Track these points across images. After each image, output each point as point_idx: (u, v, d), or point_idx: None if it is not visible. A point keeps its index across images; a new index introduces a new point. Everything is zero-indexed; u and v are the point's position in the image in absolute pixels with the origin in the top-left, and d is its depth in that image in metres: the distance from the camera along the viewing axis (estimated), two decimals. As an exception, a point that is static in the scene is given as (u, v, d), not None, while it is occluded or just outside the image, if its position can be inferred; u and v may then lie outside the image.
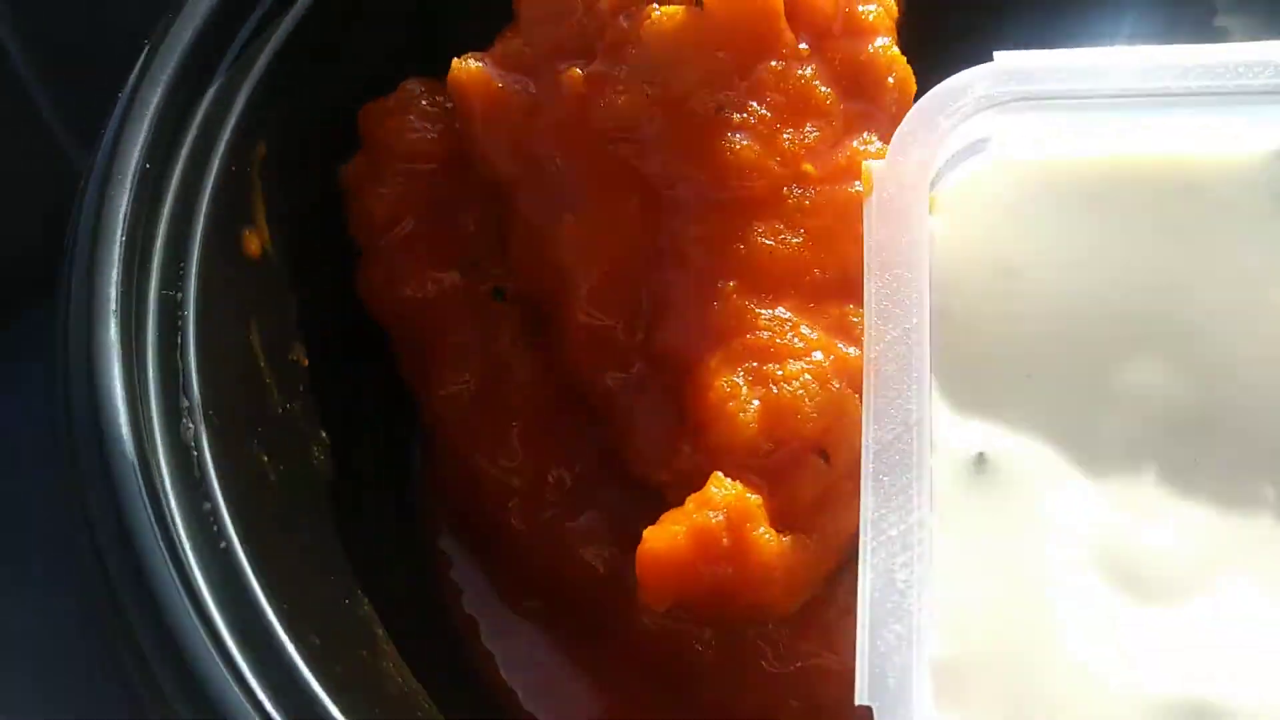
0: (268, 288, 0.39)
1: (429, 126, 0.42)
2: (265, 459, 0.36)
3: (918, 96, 0.41)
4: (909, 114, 0.39)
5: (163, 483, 0.31)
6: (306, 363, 0.41)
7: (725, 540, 0.35)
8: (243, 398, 0.36)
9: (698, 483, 0.37)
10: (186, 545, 0.30)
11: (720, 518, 0.35)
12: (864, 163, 0.38)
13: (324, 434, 0.41)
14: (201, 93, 0.37)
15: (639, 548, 0.35)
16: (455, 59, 0.41)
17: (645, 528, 0.39)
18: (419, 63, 0.43)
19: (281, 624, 0.29)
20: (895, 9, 0.43)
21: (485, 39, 0.43)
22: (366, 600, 0.38)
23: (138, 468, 0.30)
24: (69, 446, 0.31)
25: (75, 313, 0.33)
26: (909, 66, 0.42)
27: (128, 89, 0.35)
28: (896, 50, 0.42)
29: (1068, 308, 0.37)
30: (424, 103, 0.42)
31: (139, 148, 0.35)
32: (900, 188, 0.38)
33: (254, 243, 0.38)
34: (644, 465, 0.39)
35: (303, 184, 0.41)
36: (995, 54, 0.40)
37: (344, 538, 0.39)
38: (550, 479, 0.41)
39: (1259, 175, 0.38)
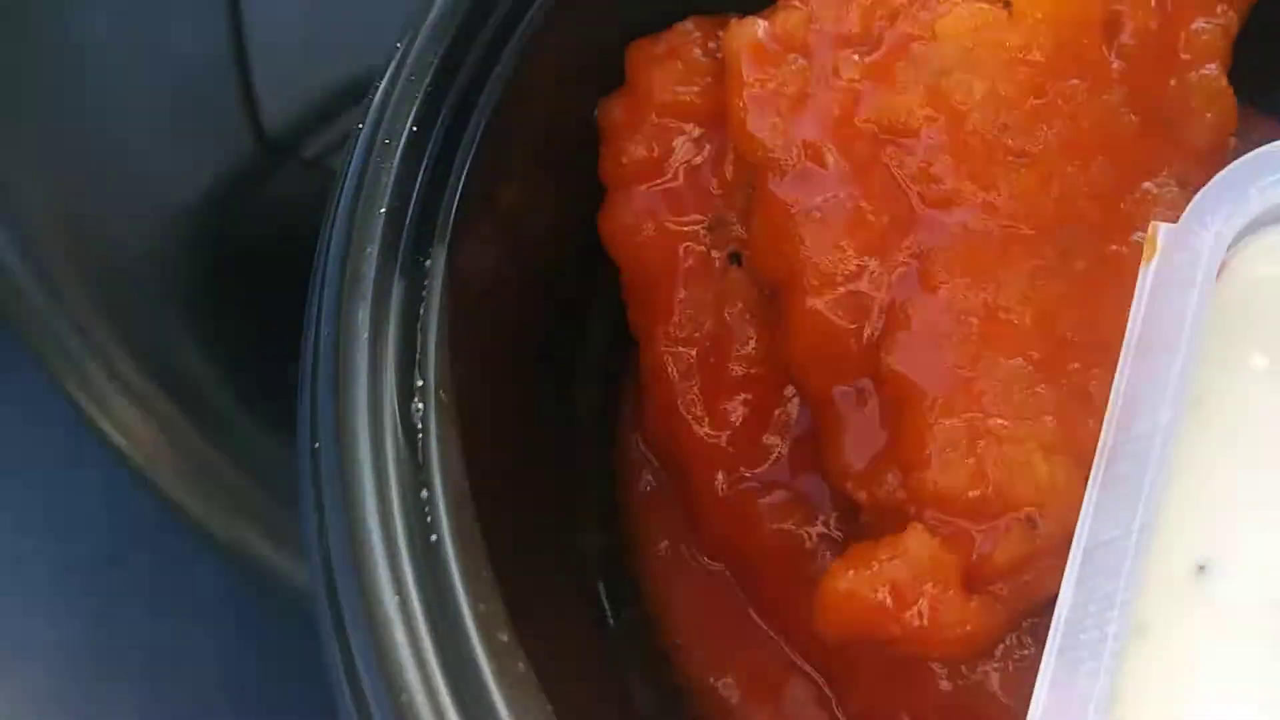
0: (512, 239, 0.39)
1: (696, 79, 0.40)
2: (487, 422, 0.37)
3: (1237, 147, 0.37)
4: (1217, 178, 0.35)
5: (388, 465, 0.32)
6: (537, 308, 0.41)
7: (910, 596, 0.34)
8: (474, 365, 0.36)
9: (894, 514, 0.37)
10: (401, 538, 0.31)
11: (912, 574, 0.34)
12: (1152, 223, 0.35)
13: (551, 379, 0.42)
14: (476, 39, 0.36)
15: (822, 582, 0.35)
16: (734, 20, 0.39)
17: (834, 525, 0.40)
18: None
19: (476, 625, 0.31)
20: (1235, 25, 0.38)
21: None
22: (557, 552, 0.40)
23: (370, 455, 0.31)
24: (311, 424, 0.32)
25: (330, 283, 0.33)
26: (1234, 101, 0.37)
27: (403, 48, 0.35)
28: (1224, 82, 0.37)
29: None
30: (696, 50, 0.40)
31: (413, 111, 0.34)
32: (1188, 263, 0.34)
33: (508, 194, 0.38)
34: (843, 478, 0.38)
35: (557, 121, 0.40)
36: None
37: (551, 482, 0.41)
38: (757, 453, 0.41)
39: None
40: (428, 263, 0.35)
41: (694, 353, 0.42)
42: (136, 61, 0.52)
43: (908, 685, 0.41)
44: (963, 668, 0.40)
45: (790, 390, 0.42)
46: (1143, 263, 0.35)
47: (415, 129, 0.35)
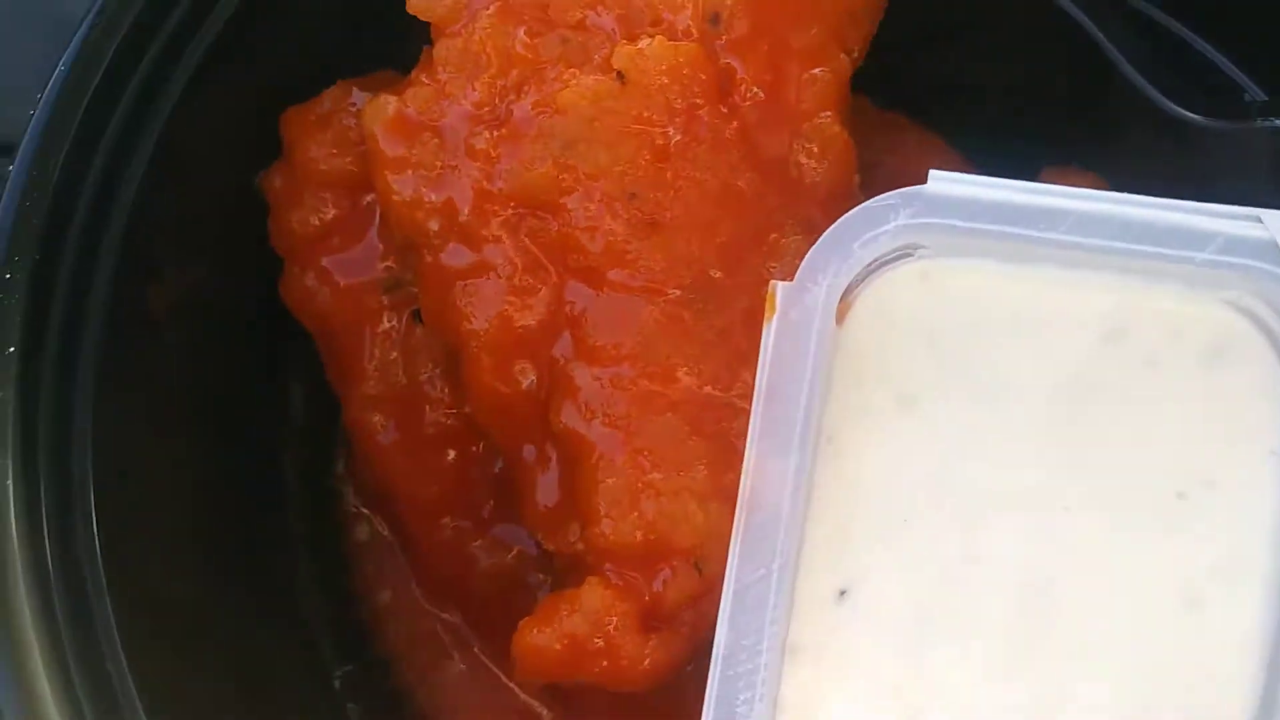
0: (190, 326, 0.39)
1: (351, 144, 0.40)
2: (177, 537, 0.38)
3: (864, 183, 0.39)
4: (824, 236, 0.36)
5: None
6: (234, 372, 0.42)
7: (596, 642, 0.37)
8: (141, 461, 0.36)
9: (578, 563, 0.39)
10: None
11: (590, 625, 0.36)
12: (771, 283, 0.36)
13: (250, 443, 0.43)
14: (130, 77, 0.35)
15: (515, 638, 0.37)
16: (369, 98, 0.38)
17: (536, 562, 0.42)
18: (345, 59, 0.41)
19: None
20: (849, 67, 0.39)
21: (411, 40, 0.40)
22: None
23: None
24: None
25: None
26: (850, 145, 0.38)
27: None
28: (839, 128, 0.38)
29: (955, 450, 0.37)
30: (346, 116, 0.40)
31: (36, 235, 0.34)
32: (803, 317, 0.36)
33: (156, 295, 0.38)
34: (534, 528, 0.40)
35: (224, 195, 0.40)
36: (930, 174, 0.37)
37: (259, 556, 0.42)
38: (462, 500, 0.43)
39: (1190, 334, 0.37)
40: (74, 395, 0.35)
41: (391, 410, 0.43)
42: None
43: (629, 711, 0.44)
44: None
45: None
46: (765, 320, 0.37)
47: (38, 256, 0.34)
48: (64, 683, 0.32)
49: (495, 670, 0.44)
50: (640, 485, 0.38)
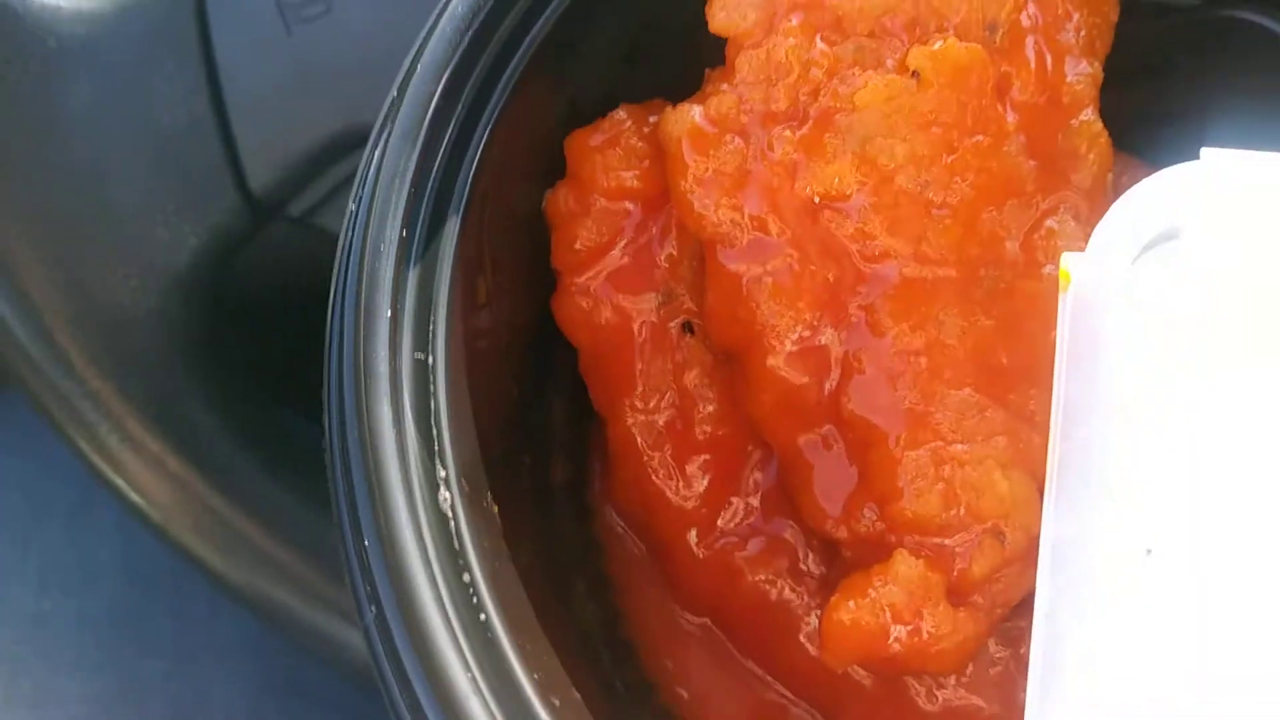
0: (489, 332, 0.41)
1: (635, 162, 0.43)
2: (495, 510, 0.39)
3: (1117, 180, 0.42)
4: (1110, 212, 0.39)
5: (431, 556, 0.34)
6: (514, 399, 0.44)
7: (908, 617, 0.38)
8: (477, 454, 0.38)
9: (875, 545, 0.40)
10: (454, 621, 0.33)
11: (904, 596, 0.38)
12: (1063, 256, 0.39)
13: (528, 465, 0.44)
14: (443, 140, 0.38)
15: (824, 617, 0.39)
16: (669, 108, 0.42)
17: (812, 563, 0.43)
18: (624, 87, 0.44)
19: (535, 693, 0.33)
20: (1100, 74, 0.43)
21: (691, 69, 0.44)
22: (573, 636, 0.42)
23: (416, 550, 0.34)
24: (353, 523, 0.35)
25: (348, 386, 0.35)
26: (1109, 142, 0.42)
27: (380, 151, 0.37)
28: (1100, 124, 0.42)
29: (1256, 417, 0.39)
30: (632, 136, 0.43)
31: (400, 215, 0.37)
32: (1099, 287, 0.39)
33: (482, 289, 0.40)
34: (821, 520, 0.41)
35: (516, 218, 0.43)
36: (1203, 151, 0.40)
37: (542, 565, 0.42)
38: (729, 510, 0.44)
39: None
40: (429, 360, 0.37)
41: (660, 421, 0.44)
42: (122, 131, 0.54)
43: (896, 710, 0.44)
44: (938, 687, 0.44)
45: (753, 447, 0.45)
46: (1060, 290, 0.39)
47: (404, 232, 0.37)
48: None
49: (764, 677, 0.44)
50: (942, 457, 0.39)
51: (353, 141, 0.55)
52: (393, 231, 0.36)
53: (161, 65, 0.55)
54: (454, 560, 0.34)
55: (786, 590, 0.44)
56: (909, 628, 0.38)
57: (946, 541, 0.38)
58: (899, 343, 0.40)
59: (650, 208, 0.44)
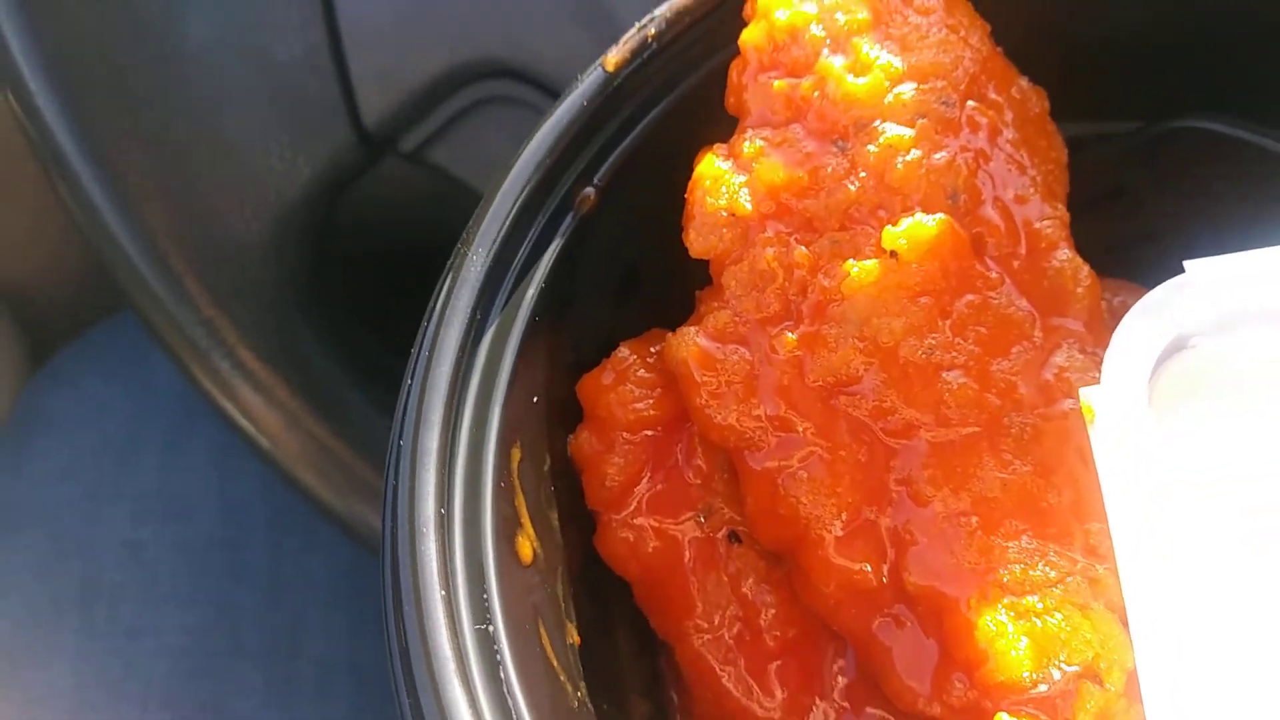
0: (542, 585, 0.41)
1: (647, 392, 0.44)
2: None
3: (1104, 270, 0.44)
4: (1115, 336, 0.41)
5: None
6: (579, 641, 0.43)
7: None
8: (553, 705, 0.38)
9: (972, 713, 0.39)
10: None
11: None
12: (1080, 393, 0.40)
13: (607, 705, 0.43)
14: (461, 416, 0.40)
15: None
16: (671, 335, 0.44)
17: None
18: (622, 324, 0.46)
19: None
20: (1066, 215, 0.46)
21: (680, 294, 0.46)
22: None
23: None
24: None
25: (417, 671, 0.35)
26: (1093, 273, 0.44)
27: (409, 435, 0.38)
28: (1079, 259, 0.44)
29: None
30: (638, 368, 0.45)
31: (431, 494, 0.38)
32: (1122, 412, 0.40)
33: (526, 549, 0.41)
34: (912, 700, 0.40)
35: (547, 472, 0.44)
36: (1185, 264, 0.42)
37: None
38: (814, 714, 0.44)
39: None
40: (490, 629, 0.37)
41: (727, 637, 0.44)
42: (240, 63, 0.54)
43: None
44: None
45: (826, 643, 0.44)
46: (1088, 424, 0.40)
47: (441, 510, 0.38)
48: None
49: None
50: (1019, 611, 0.39)
51: (466, 76, 0.55)
52: (428, 509, 0.37)
53: None
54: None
55: None
56: (1030, 793, 0.37)
57: (1045, 696, 0.38)
58: (945, 507, 0.40)
59: (671, 432, 0.45)
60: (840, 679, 0.44)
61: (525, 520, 0.42)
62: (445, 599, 0.36)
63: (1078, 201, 0.47)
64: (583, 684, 0.42)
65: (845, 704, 0.44)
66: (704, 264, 0.45)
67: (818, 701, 0.44)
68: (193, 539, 0.59)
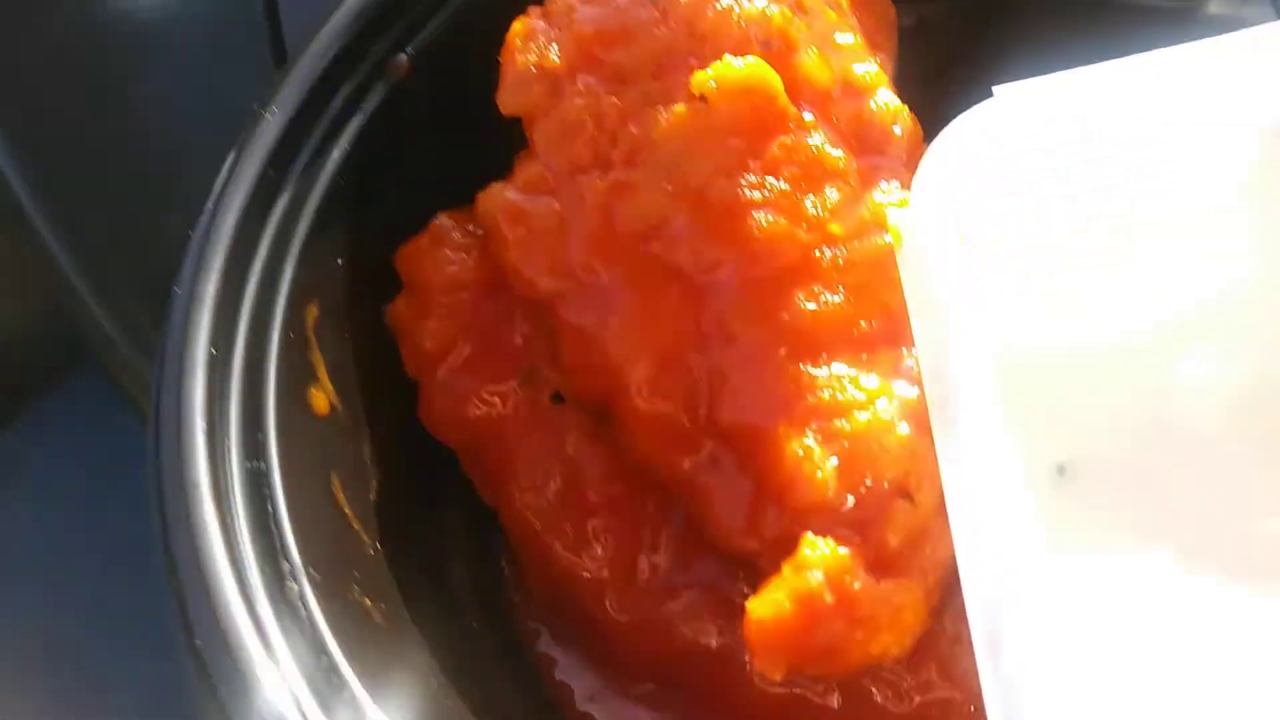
0: (342, 439, 0.40)
1: (464, 256, 0.43)
2: (368, 603, 0.37)
3: (927, 137, 0.43)
4: (923, 161, 0.40)
5: (279, 643, 0.32)
6: (388, 500, 0.42)
7: (829, 597, 0.35)
8: (337, 549, 0.37)
9: (788, 546, 0.38)
10: (312, 702, 0.31)
11: (819, 577, 0.35)
12: (888, 214, 0.40)
13: (416, 565, 0.42)
14: (250, 269, 0.39)
15: (745, 621, 0.36)
16: (479, 191, 0.43)
17: (744, 595, 0.40)
18: (442, 198, 0.45)
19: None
20: (890, 65, 0.45)
21: (501, 167, 0.45)
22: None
23: (254, 632, 0.32)
24: (183, 626, 0.33)
25: (170, 498, 0.34)
26: (913, 115, 0.43)
27: (185, 282, 0.37)
28: (899, 102, 0.43)
29: (1117, 317, 0.38)
30: (455, 235, 0.44)
31: (204, 335, 0.37)
32: (926, 234, 0.39)
33: (321, 400, 0.40)
34: (730, 538, 0.40)
35: (357, 331, 0.43)
36: (995, 89, 0.42)
37: (453, 662, 0.39)
38: (641, 567, 0.42)
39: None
40: (263, 467, 0.36)
41: (550, 496, 0.43)
42: (198, 116, 0.53)
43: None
44: (912, 691, 0.40)
45: (653, 502, 0.43)
46: (896, 250, 0.39)
47: (212, 350, 0.37)
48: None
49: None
50: (829, 434, 0.38)
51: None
52: (199, 348, 0.36)
53: (233, 49, 0.54)
54: (307, 644, 0.33)
55: (723, 628, 0.41)
56: (833, 606, 0.35)
57: (855, 517, 0.37)
58: (756, 340, 0.39)
59: (489, 296, 0.44)
60: (667, 533, 0.43)
61: (322, 375, 0.41)
62: (207, 432, 0.35)
63: (916, 60, 0.47)
64: (384, 541, 0.40)
65: (673, 556, 0.42)
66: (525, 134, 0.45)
67: (644, 556, 0.42)
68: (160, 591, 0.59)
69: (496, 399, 0.43)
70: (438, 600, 0.42)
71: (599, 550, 0.42)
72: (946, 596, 0.38)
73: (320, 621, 0.34)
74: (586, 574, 0.42)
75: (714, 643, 0.41)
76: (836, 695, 0.40)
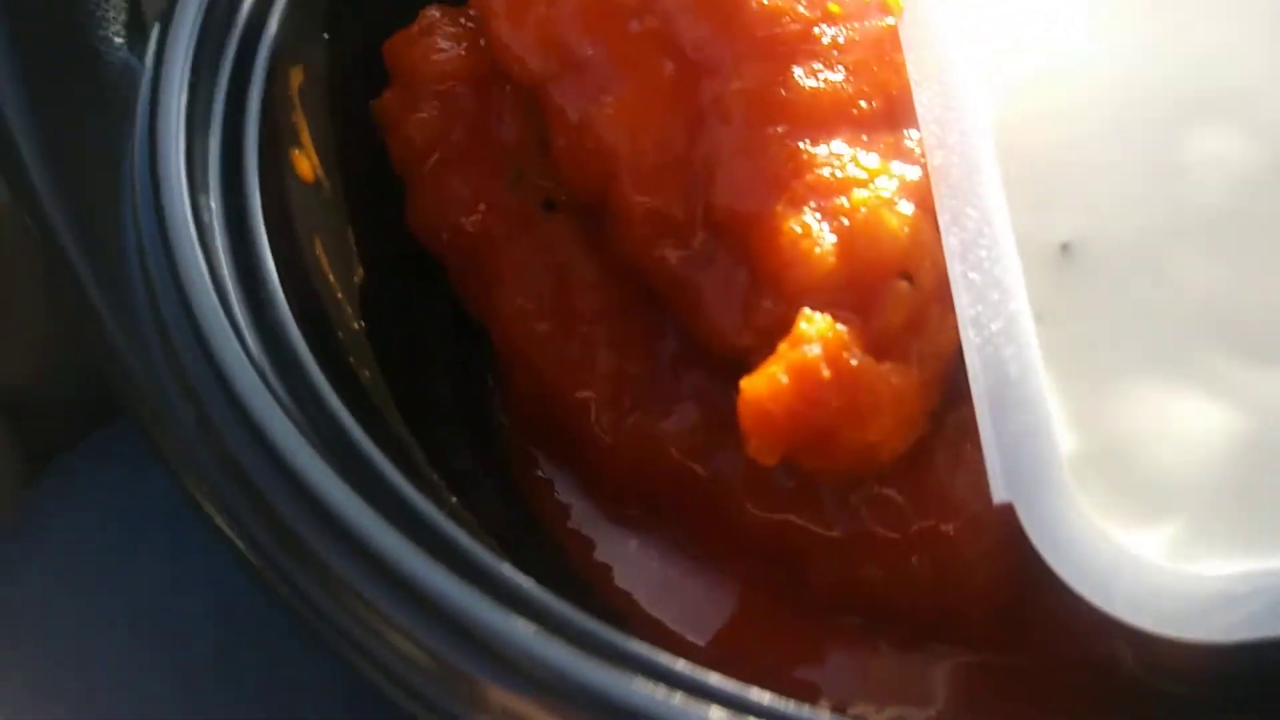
0: (325, 210, 0.39)
1: (454, 46, 0.42)
2: (351, 361, 0.36)
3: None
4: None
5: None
6: (371, 289, 0.40)
7: (826, 372, 0.33)
8: (320, 308, 0.36)
9: (782, 332, 0.36)
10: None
11: (816, 350, 0.33)
12: (890, -9, 0.38)
13: (400, 361, 0.40)
14: (232, 25, 0.37)
15: (739, 399, 0.34)
16: (468, -26, 0.42)
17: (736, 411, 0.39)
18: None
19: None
20: None
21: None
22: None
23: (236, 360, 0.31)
24: (172, 373, 0.32)
25: (148, 231, 0.33)
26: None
27: (159, 26, 0.36)
28: None
29: (1124, 88, 0.37)
30: (446, 25, 0.42)
31: (182, 61, 0.35)
32: (928, 7, 0.38)
33: (304, 165, 0.39)
34: (723, 335, 0.38)
35: (343, 118, 0.41)
36: None
37: (432, 469, 0.38)
38: (630, 381, 0.40)
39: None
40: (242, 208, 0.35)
41: (542, 306, 0.41)
42: None
43: (866, 544, 0.39)
44: (910, 511, 0.39)
45: (645, 312, 0.41)
46: (898, 19, 0.38)
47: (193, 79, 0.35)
48: None
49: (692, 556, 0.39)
50: (827, 211, 0.36)
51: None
52: (173, 89, 0.35)
53: None
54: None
55: (716, 450, 0.39)
56: (831, 381, 0.33)
57: (852, 296, 0.35)
58: (751, 119, 0.37)
59: (480, 90, 0.42)
60: (660, 348, 0.41)
61: (306, 141, 0.39)
62: (185, 161, 0.34)
63: None
64: (368, 323, 0.39)
65: (665, 373, 0.41)
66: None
67: (635, 372, 0.40)
68: (187, 654, 0.58)
69: (484, 202, 0.41)
70: (420, 402, 0.40)
71: (588, 363, 0.40)
72: (945, 404, 0.36)
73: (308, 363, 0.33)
74: (575, 390, 0.40)
75: (705, 465, 0.39)
76: (828, 522, 0.38)
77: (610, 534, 0.41)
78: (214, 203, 0.34)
